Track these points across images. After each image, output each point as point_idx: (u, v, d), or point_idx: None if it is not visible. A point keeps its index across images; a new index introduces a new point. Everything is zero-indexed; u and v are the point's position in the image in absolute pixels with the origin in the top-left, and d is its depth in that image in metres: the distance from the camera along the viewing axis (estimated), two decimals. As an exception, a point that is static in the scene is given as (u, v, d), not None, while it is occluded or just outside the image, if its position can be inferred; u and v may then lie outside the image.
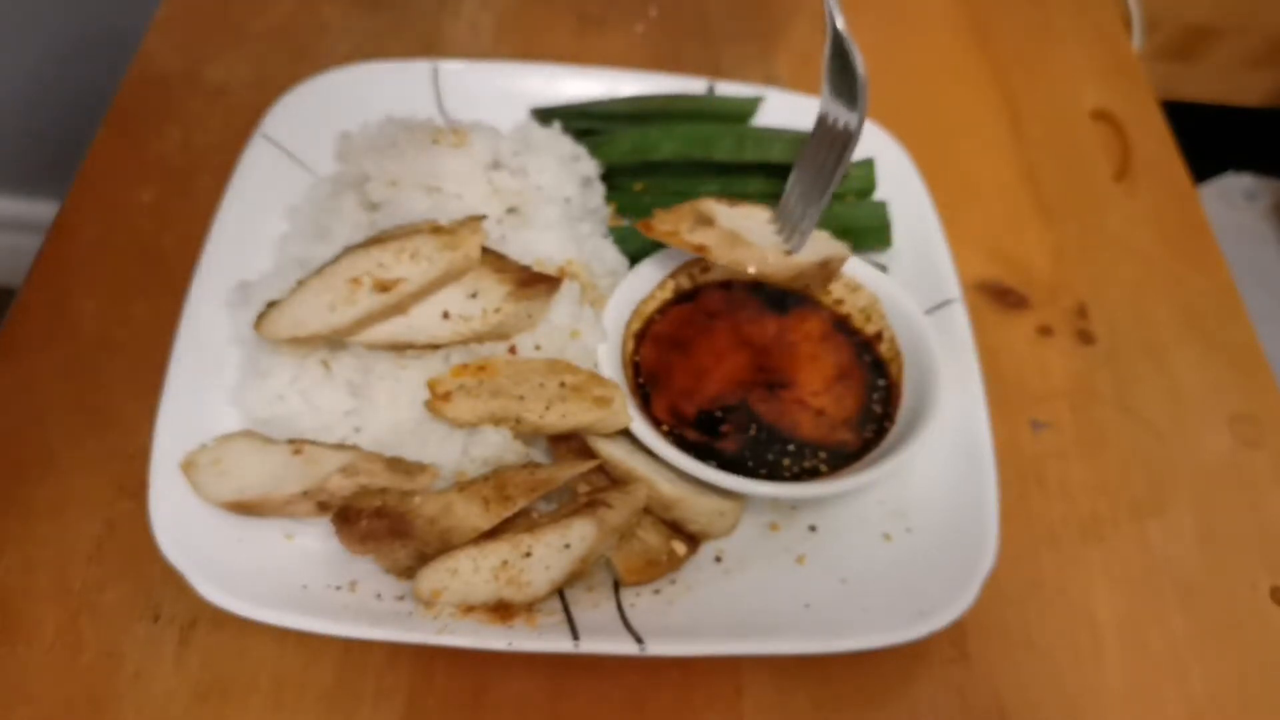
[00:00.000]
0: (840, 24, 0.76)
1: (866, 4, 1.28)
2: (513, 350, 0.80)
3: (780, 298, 0.89)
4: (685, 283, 0.90)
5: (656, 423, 0.80)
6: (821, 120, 0.81)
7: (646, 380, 0.83)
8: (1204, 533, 0.84)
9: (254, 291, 0.81)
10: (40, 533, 0.76)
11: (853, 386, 0.84)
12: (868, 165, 0.99)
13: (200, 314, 0.80)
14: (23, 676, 0.70)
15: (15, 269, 0.94)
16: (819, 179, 0.81)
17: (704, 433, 0.80)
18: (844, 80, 0.77)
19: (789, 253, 0.82)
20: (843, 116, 0.78)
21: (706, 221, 0.83)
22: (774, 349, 0.86)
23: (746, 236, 0.83)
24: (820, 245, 0.85)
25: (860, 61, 0.75)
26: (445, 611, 0.69)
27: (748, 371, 0.84)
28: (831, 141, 0.79)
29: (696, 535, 0.77)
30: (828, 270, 0.82)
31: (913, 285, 0.89)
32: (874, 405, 0.84)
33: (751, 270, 0.81)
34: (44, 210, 0.98)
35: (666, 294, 0.89)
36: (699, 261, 0.90)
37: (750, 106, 1.03)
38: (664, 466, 0.77)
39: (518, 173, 0.90)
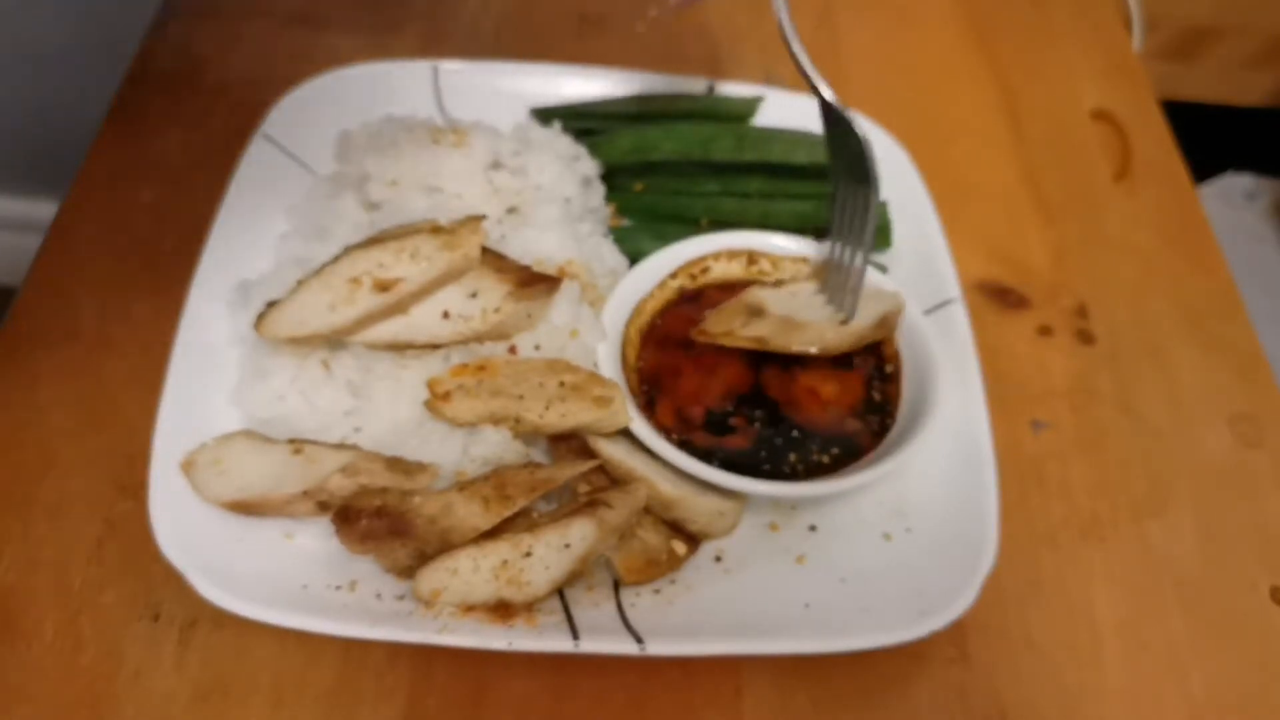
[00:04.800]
0: (829, 96, 0.79)
1: (866, 4, 1.28)
2: (513, 350, 0.80)
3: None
4: (686, 283, 0.90)
5: (662, 429, 0.79)
6: (836, 190, 0.84)
7: (650, 386, 0.83)
8: (1204, 533, 0.84)
9: (254, 291, 0.81)
10: (40, 533, 0.76)
11: (853, 387, 0.84)
12: (868, 165, 0.99)
13: (200, 314, 0.80)
14: (23, 676, 0.70)
15: (15, 269, 0.94)
16: (852, 242, 0.83)
17: (708, 435, 0.80)
18: (844, 146, 0.81)
19: (844, 321, 0.83)
20: (856, 177, 0.81)
21: (758, 313, 0.83)
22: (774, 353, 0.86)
23: (800, 316, 0.83)
24: (873, 302, 0.85)
25: (858, 124, 0.79)
26: (445, 611, 0.69)
27: (748, 375, 0.84)
28: (853, 204, 0.83)
29: (696, 535, 0.77)
30: (887, 325, 0.84)
31: (913, 285, 0.89)
32: (874, 406, 0.84)
33: (814, 350, 0.81)
34: (44, 210, 0.98)
35: (667, 294, 0.89)
36: (699, 262, 0.90)
37: (750, 106, 1.03)
38: (664, 466, 0.77)
39: (518, 172, 0.90)
